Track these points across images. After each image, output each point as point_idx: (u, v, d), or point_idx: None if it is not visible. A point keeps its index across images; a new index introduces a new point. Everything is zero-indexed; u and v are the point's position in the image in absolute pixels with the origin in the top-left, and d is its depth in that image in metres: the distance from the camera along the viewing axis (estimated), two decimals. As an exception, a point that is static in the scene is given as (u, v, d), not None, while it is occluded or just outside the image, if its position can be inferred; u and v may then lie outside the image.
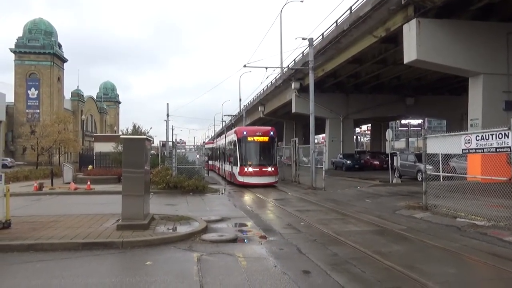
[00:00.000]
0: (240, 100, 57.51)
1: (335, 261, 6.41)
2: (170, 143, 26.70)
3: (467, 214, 9.62)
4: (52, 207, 12.81)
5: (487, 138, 9.02)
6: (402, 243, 7.65)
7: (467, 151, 9.77)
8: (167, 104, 40.54)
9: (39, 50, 62.58)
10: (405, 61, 17.86)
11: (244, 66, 23.61)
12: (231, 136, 23.09)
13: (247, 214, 11.46)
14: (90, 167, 25.52)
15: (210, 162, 34.42)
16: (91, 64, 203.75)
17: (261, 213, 11.71)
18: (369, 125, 63.08)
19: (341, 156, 34.71)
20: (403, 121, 65.73)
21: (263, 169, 20.06)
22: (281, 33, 27.96)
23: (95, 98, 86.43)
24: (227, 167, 23.76)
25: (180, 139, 75.01)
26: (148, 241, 7.53)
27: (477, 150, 9.45)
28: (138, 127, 30.21)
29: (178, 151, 20.12)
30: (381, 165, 32.02)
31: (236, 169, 20.50)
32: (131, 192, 8.52)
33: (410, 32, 17.03)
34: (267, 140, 20.96)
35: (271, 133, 21.15)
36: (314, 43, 22.66)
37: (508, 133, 8.38)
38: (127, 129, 31.51)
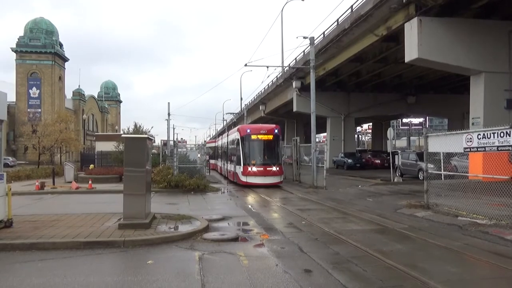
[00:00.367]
0: (241, 99, 57.65)
1: (337, 260, 6.41)
2: (171, 142, 26.71)
3: (468, 213, 9.61)
4: (53, 206, 12.84)
5: (488, 136, 9.00)
6: (404, 242, 7.64)
7: (469, 149, 9.75)
8: (168, 103, 40.78)
9: (41, 49, 62.59)
10: (407, 59, 17.83)
11: (245, 65, 23.60)
12: (234, 134, 22.35)
13: (248, 213, 11.48)
14: (91, 166, 25.56)
15: (212, 161, 34.29)
16: (92, 63, 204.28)
17: (262, 212, 11.71)
18: (370, 124, 63.00)
19: (342, 155, 34.70)
20: (404, 120, 65.62)
21: (268, 168, 19.27)
22: (282, 32, 27.96)
23: (96, 97, 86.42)
24: (230, 167, 23.12)
25: (181, 138, 75.22)
26: (150, 240, 7.54)
27: (478, 149, 9.42)
28: (140, 126, 30.27)
29: (179, 150, 20.08)
30: (383, 164, 31.99)
31: (239, 169, 19.81)
32: (133, 191, 8.54)
33: (412, 31, 17.00)
34: (271, 138, 20.17)
35: (276, 131, 20.42)
36: (315, 42, 22.64)
37: (510, 131, 8.36)
38: (128, 128, 31.56)
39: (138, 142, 9.06)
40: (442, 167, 11.67)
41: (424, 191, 11.12)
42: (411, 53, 17.29)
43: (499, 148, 8.73)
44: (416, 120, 66.25)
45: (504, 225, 8.47)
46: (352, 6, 21.36)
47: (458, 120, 36.20)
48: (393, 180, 20.52)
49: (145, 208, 8.70)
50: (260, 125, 22.91)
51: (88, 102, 78.02)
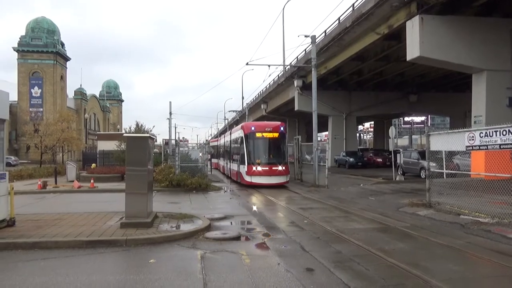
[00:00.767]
0: (242, 98, 57.44)
1: (339, 258, 6.41)
2: (173, 141, 26.72)
3: (470, 211, 9.60)
4: (56, 205, 12.88)
5: (490, 135, 8.97)
6: (406, 241, 7.63)
7: (471, 148, 9.73)
8: (170, 102, 40.71)
9: (42, 48, 62.68)
10: (408, 58, 17.80)
11: (247, 64, 23.58)
12: (238, 132, 21.38)
13: (250, 212, 11.49)
14: (93, 165, 25.57)
15: (214, 160, 34.12)
16: (94, 62, 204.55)
17: (264, 211, 11.71)
18: (372, 122, 62.92)
19: (344, 153, 34.65)
20: (406, 119, 65.65)
21: (273, 168, 18.37)
22: (283, 31, 27.82)
23: (98, 96, 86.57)
24: (233, 166, 22.38)
25: (183, 137, 75.29)
26: (152, 239, 7.55)
27: (480, 147, 9.39)
28: (141, 125, 30.22)
29: (181, 149, 20.07)
30: (384, 162, 31.99)
31: (243, 168, 18.99)
32: (135, 190, 8.54)
33: (413, 29, 16.97)
34: (277, 136, 19.17)
35: (281, 128, 19.45)
36: (316, 40, 22.58)
37: (512, 129, 8.34)
38: (130, 128, 31.51)
39: (140, 141, 9.07)
40: (444, 166, 11.62)
41: (426, 190, 11.10)
42: (412, 51, 17.27)
43: (502, 146, 8.71)
44: (418, 119, 66.23)
45: (506, 223, 8.46)
46: (353, 4, 21.34)
47: (460, 119, 36.19)
48: (395, 178, 20.51)
49: (147, 207, 8.72)
50: (265, 122, 22.07)
51: (90, 101, 78.12)
